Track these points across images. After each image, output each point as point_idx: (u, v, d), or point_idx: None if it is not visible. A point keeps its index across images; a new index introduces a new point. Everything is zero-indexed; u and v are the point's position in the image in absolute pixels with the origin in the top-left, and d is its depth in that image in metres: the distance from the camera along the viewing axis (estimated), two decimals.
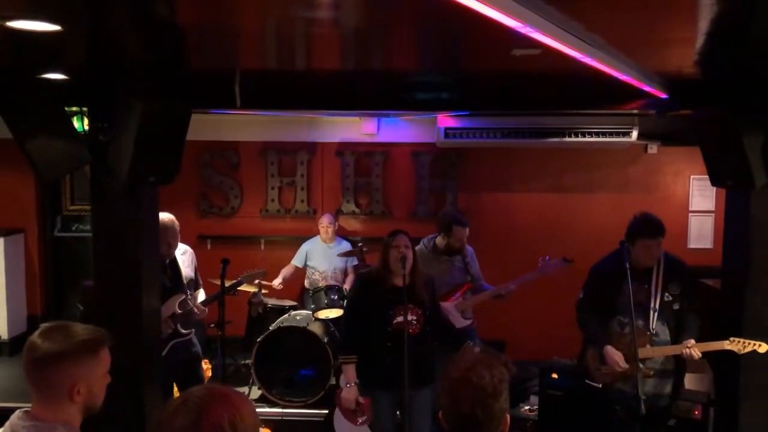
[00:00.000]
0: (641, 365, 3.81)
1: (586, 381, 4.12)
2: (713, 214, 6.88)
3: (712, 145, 3.71)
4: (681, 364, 4.02)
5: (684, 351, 3.75)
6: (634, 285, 3.80)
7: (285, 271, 6.44)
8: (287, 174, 7.14)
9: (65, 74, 3.42)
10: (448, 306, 4.92)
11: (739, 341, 3.64)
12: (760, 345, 3.60)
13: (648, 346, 3.88)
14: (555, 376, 5.08)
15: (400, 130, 7.01)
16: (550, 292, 6.38)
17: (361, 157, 7.10)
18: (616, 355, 3.89)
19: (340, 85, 4.11)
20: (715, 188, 4.32)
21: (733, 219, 3.80)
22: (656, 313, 3.89)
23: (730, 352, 3.66)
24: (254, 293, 5.77)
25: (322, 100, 4.45)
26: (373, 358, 4.07)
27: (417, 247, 5.08)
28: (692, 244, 6.93)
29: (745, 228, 3.62)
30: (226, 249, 6.49)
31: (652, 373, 3.92)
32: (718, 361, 4.18)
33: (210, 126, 6.57)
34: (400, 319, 3.95)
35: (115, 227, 3.65)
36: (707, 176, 3.86)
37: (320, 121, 6.99)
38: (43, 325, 1.99)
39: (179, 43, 2.73)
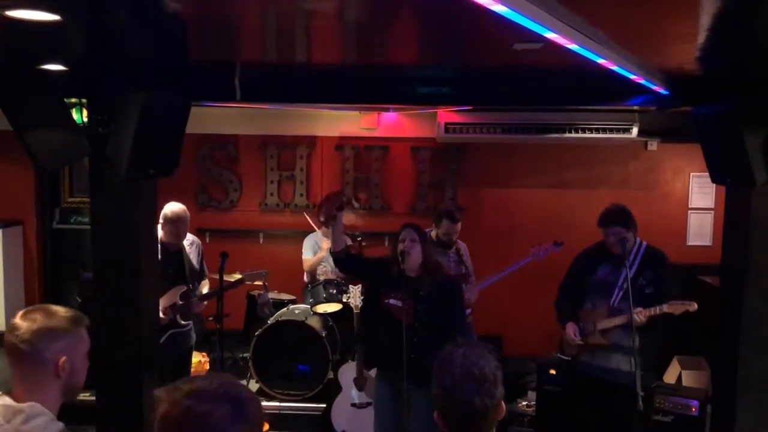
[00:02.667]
0: (602, 339, 4.19)
1: (558, 354, 4.55)
2: (713, 212, 6.88)
3: (713, 142, 3.71)
4: (647, 345, 4.15)
5: (634, 317, 3.99)
6: (609, 267, 4.20)
7: (311, 263, 6.37)
8: (286, 168, 7.13)
9: (65, 65, 3.41)
10: None
11: (674, 304, 3.96)
12: (690, 304, 3.93)
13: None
14: (553, 371, 5.09)
15: (400, 124, 7.00)
16: (548, 288, 6.38)
17: (360, 152, 7.09)
18: (570, 329, 4.31)
19: (341, 78, 4.10)
20: (714, 185, 4.32)
21: (733, 217, 3.80)
22: (621, 293, 4.12)
23: (730, 354, 3.68)
24: (260, 294, 5.80)
25: (323, 93, 4.44)
26: (369, 333, 4.26)
27: None
28: (691, 242, 6.94)
29: (744, 226, 3.61)
30: (225, 242, 6.48)
31: (607, 341, 4.20)
32: (715, 357, 4.19)
33: (209, 119, 6.55)
34: (390, 301, 3.98)
35: (114, 219, 3.64)
36: (707, 173, 3.87)
37: (320, 115, 6.97)
38: (21, 310, 2.03)
39: (180, 35, 2.72)
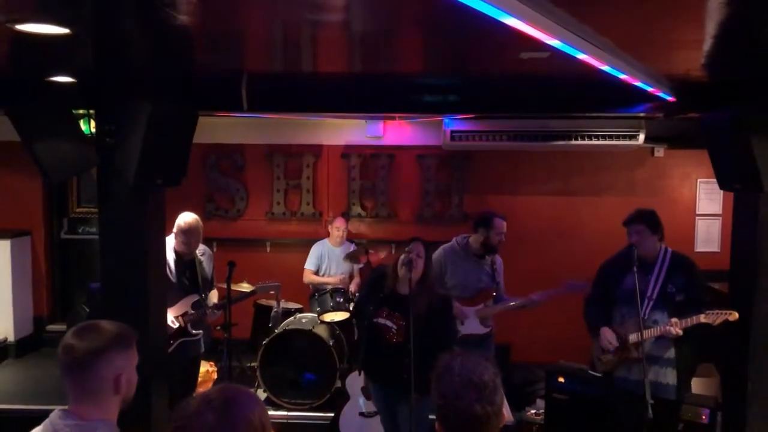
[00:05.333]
0: (635, 352, 3.98)
1: (589, 371, 4.37)
2: (720, 218, 6.85)
3: (720, 148, 3.70)
4: (684, 355, 4.03)
5: (666, 329, 3.87)
6: (638, 276, 3.97)
7: (313, 278, 6.38)
8: (293, 177, 7.14)
9: (73, 77, 3.44)
10: (468, 311, 4.87)
11: (712, 313, 3.79)
12: (731, 313, 3.75)
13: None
14: (561, 379, 5.06)
15: (405, 132, 7.01)
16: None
17: (366, 160, 7.10)
18: (608, 333, 4.11)
19: (347, 87, 4.12)
20: (722, 191, 4.30)
21: (741, 222, 3.79)
22: (652, 302, 4.00)
23: (740, 361, 3.65)
24: (274, 309, 5.82)
25: (329, 102, 4.46)
26: (363, 344, 4.22)
27: (448, 244, 5.04)
28: (699, 248, 6.90)
29: (752, 231, 3.60)
30: (232, 251, 6.48)
31: (639, 357, 3.97)
32: (725, 364, 4.16)
33: (216, 128, 6.58)
34: (380, 320, 4.00)
35: (122, 229, 3.66)
36: (715, 179, 3.85)
37: (326, 123, 6.99)
38: (73, 328, 2.02)
39: (186, 47, 2.74)
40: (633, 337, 4.00)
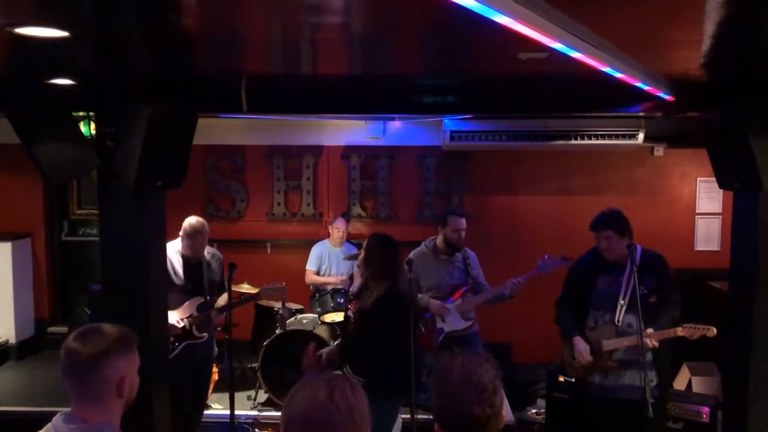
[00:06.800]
0: (609, 361, 3.99)
1: (561, 376, 4.38)
2: (720, 217, 6.85)
3: (719, 147, 3.70)
4: (659, 355, 4.05)
5: (643, 341, 3.82)
6: (609, 278, 4.01)
7: (315, 279, 6.40)
8: (293, 177, 7.15)
9: (73, 79, 3.44)
10: (447, 307, 4.93)
11: (690, 327, 3.81)
12: (709, 329, 3.78)
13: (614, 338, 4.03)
14: (562, 379, 5.06)
15: (405, 133, 7.02)
16: (556, 294, 6.38)
17: (366, 161, 7.11)
18: (581, 345, 4.08)
19: (347, 89, 4.12)
20: (722, 190, 4.29)
21: (741, 221, 3.78)
22: (624, 307, 3.98)
23: (740, 359, 3.65)
24: (278, 311, 5.82)
25: (329, 104, 4.46)
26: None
27: (418, 249, 5.12)
28: (699, 247, 6.91)
29: (752, 230, 3.60)
30: (233, 253, 6.45)
31: (616, 364, 4.02)
32: (725, 363, 4.16)
33: (216, 130, 6.59)
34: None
35: (122, 231, 3.66)
36: (714, 178, 3.85)
37: (326, 124, 7.00)
38: (75, 332, 2.03)
39: (186, 48, 2.75)
40: (607, 345, 3.99)
